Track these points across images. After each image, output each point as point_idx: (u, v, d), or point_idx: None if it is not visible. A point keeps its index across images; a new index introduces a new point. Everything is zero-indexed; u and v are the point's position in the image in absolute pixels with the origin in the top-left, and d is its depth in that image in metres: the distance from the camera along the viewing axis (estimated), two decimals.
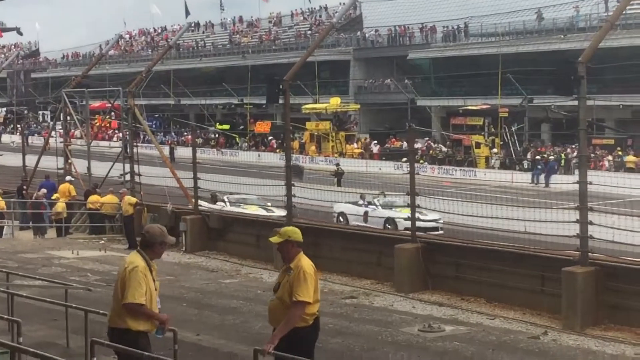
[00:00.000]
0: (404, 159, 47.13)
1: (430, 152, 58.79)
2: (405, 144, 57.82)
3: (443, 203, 24.69)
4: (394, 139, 63.74)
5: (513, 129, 58.10)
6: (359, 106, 68.20)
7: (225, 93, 78.64)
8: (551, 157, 52.36)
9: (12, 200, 34.59)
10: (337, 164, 47.82)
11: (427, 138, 61.97)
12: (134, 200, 30.56)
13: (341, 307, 18.19)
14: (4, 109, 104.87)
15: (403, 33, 70.94)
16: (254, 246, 27.15)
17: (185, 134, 74.14)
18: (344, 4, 70.36)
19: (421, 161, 53.47)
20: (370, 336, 15.05)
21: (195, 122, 77.25)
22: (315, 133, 64.33)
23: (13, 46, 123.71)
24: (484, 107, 59.95)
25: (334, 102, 65.58)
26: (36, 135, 79.06)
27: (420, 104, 65.96)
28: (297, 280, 8.74)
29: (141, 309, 8.63)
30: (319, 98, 67.79)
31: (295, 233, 9.07)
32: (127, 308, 8.56)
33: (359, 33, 74.13)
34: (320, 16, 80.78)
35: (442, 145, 60.20)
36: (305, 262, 8.90)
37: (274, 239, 9.14)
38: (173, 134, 77.38)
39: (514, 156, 55.38)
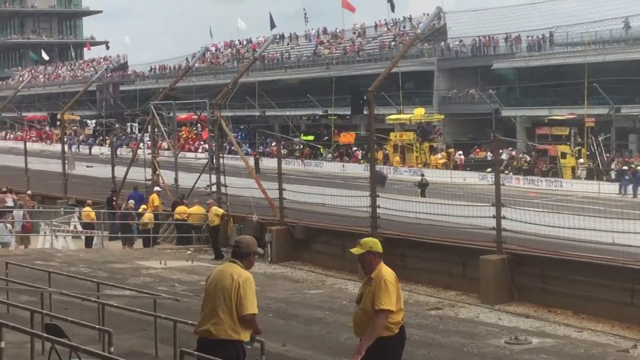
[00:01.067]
0: (489, 170, 46.86)
1: (515, 162, 58.26)
2: (489, 154, 57.44)
3: (528, 214, 24.47)
4: (478, 149, 63.32)
5: (600, 139, 57.25)
6: (443, 116, 67.88)
7: (310, 104, 78.91)
8: (639, 168, 51.48)
9: (101, 211, 35.18)
10: (422, 175, 47.69)
11: (510, 148, 61.40)
12: (220, 211, 30.88)
13: (426, 318, 18.16)
14: (94, 121, 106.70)
15: (487, 43, 70.46)
16: (339, 257, 27.24)
17: (272, 145, 74.59)
18: (428, 14, 70.11)
19: (506, 172, 52.96)
20: (456, 348, 15.01)
21: (280, 133, 77.64)
22: (399, 144, 64.26)
23: (102, 59, 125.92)
24: (570, 117, 59.21)
25: (418, 112, 65.37)
26: (124, 146, 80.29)
27: (505, 114, 65.36)
28: (378, 289, 8.72)
29: (255, 319, 8.70)
30: (403, 109, 67.64)
31: (375, 244, 9.06)
32: (246, 319, 8.53)
33: (442, 43, 73.86)
34: (404, 27, 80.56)
35: (527, 156, 59.61)
36: (386, 271, 8.88)
37: (355, 250, 9.10)
38: (258, 145, 77.92)
39: (600, 166, 54.57)
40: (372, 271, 8.91)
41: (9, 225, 32.75)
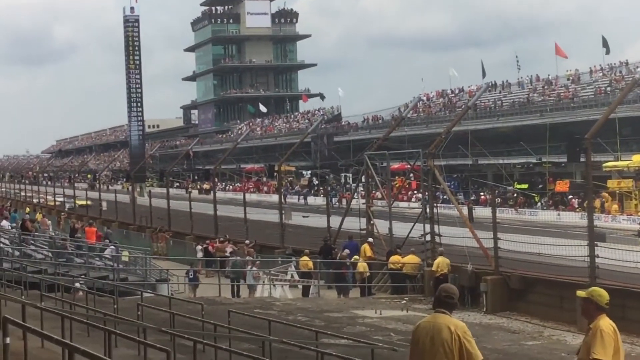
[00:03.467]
0: None
1: None
2: None
3: None
4: None
5: None
6: None
7: (523, 152, 77.97)
8: None
9: (317, 260, 35.78)
10: None
11: None
12: (447, 261, 30.84)
13: None
14: (309, 172, 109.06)
15: None
16: (557, 307, 26.76)
17: (482, 194, 74.06)
18: None
19: None
20: None
21: (493, 181, 77.04)
22: (617, 191, 62.53)
23: (317, 111, 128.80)
24: None
25: (637, 159, 63.52)
26: (337, 196, 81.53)
27: None
28: (593, 339, 8.59)
29: None
30: (620, 155, 65.93)
31: (600, 296, 8.87)
32: None
33: None
34: (620, 72, 78.68)
35: None
36: (604, 322, 8.72)
37: (579, 293, 9.10)
38: (471, 193, 77.49)
39: None
40: (592, 321, 8.79)
41: (254, 269, 34.61)
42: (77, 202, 78.29)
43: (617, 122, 62.09)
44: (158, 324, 17.37)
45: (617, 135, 64.62)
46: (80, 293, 26.98)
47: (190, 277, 36.03)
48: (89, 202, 75.58)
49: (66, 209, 75.88)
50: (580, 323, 24.29)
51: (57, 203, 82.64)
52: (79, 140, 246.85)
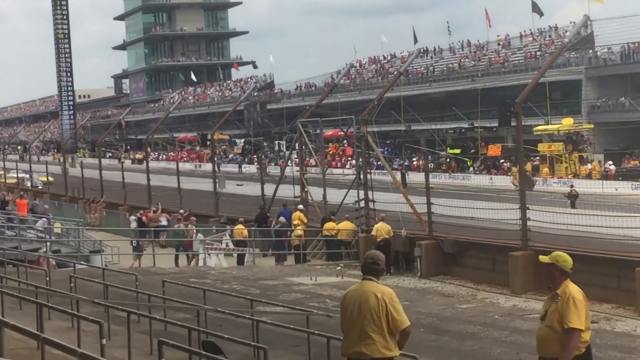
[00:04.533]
0: None
1: None
2: None
3: None
4: (630, 159, 61.80)
5: None
6: (592, 126, 66.57)
7: (456, 117, 78.47)
8: None
9: (253, 228, 35.71)
10: (571, 186, 46.87)
11: None
12: (387, 227, 30.79)
13: None
14: (243, 140, 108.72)
15: (637, 50, 68.71)
16: (490, 271, 27.02)
17: (415, 159, 74.43)
18: (574, 23, 68.98)
19: None
20: None
21: (426, 147, 77.48)
22: (548, 155, 63.25)
23: (249, 79, 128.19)
24: None
25: (567, 122, 64.27)
26: (273, 164, 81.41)
27: None
28: (566, 307, 8.44)
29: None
30: (551, 119, 66.64)
31: (565, 261, 8.81)
32: (407, 331, 8.58)
33: (590, 52, 72.42)
34: (550, 36, 79.35)
35: None
36: (573, 289, 8.61)
37: (542, 258, 8.96)
38: (404, 159, 77.79)
39: None
40: (557, 287, 8.66)
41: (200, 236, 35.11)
42: (40, 178, 72.44)
43: (547, 86, 62.74)
44: (91, 296, 17.21)
45: (547, 99, 65.34)
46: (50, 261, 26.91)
47: (134, 245, 35.86)
48: (51, 179, 70.66)
49: (30, 187, 69.84)
50: (513, 285, 24.62)
51: (16, 180, 73.46)
52: (8, 111, 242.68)
